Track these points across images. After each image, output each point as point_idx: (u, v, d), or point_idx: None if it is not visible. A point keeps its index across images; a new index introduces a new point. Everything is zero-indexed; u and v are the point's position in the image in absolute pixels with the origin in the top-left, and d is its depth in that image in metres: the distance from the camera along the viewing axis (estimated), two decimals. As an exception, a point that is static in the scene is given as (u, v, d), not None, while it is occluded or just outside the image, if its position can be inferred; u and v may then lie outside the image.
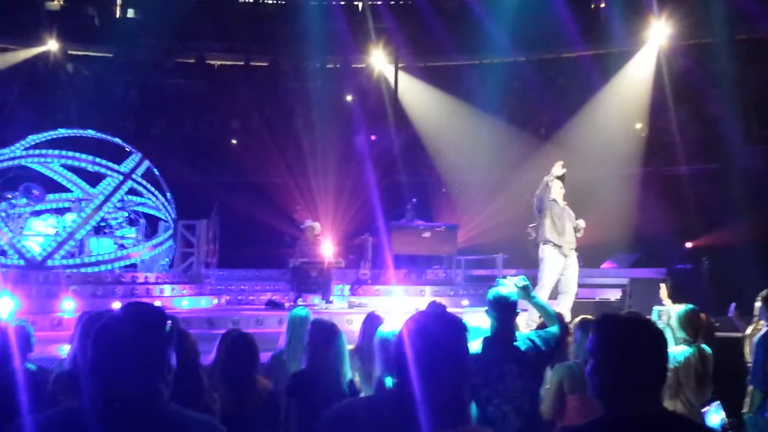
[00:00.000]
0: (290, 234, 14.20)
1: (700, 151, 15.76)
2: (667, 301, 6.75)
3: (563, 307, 7.92)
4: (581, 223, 8.36)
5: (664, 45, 16.58)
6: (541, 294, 7.78)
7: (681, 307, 5.29)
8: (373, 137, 17.73)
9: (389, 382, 2.50)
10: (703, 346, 5.13)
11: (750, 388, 5.35)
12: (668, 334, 4.99)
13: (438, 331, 2.09)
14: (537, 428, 3.77)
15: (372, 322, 4.73)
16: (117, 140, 13.45)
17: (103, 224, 12.79)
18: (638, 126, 17.01)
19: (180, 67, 19.48)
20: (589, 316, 5.51)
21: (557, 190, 8.29)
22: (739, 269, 11.06)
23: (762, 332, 5.56)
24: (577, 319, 5.19)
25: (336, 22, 18.02)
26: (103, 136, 13.39)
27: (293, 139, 18.40)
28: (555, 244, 8.04)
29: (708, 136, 15.92)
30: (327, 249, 11.81)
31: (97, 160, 12.61)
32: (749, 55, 16.77)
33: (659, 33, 16.45)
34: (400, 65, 17.79)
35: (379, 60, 18.77)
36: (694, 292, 10.30)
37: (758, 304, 5.65)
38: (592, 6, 18.25)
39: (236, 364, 3.94)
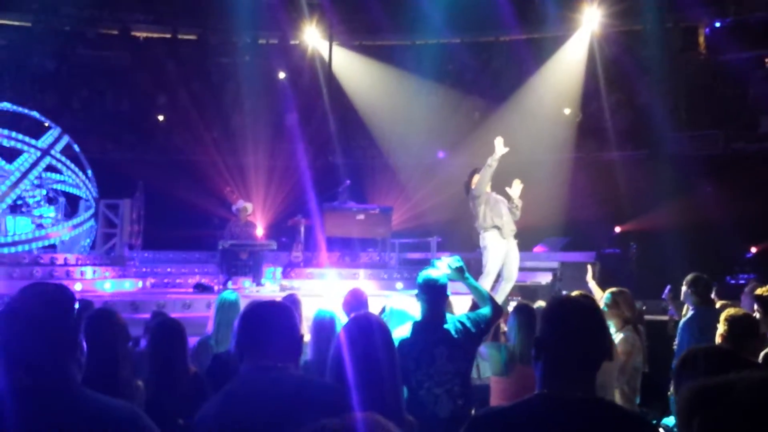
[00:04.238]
0: (219, 215, 13.87)
1: (629, 137, 16.12)
2: (592, 283, 6.79)
3: (501, 294, 7.87)
4: (515, 191, 8.22)
5: (597, 31, 16.84)
6: (486, 281, 7.72)
7: (618, 289, 5.32)
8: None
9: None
10: (640, 327, 5.22)
11: (675, 370, 5.41)
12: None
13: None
14: (468, 410, 3.76)
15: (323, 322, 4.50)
16: (35, 114, 12.86)
17: (19, 202, 12.23)
18: (567, 111, 17.24)
19: (103, 39, 18.77)
20: (526, 301, 5.52)
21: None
22: (665, 253, 11.37)
23: (687, 316, 5.66)
24: (513, 303, 5.15)
25: (268, -4, 17.67)
26: (20, 109, 12.75)
27: (222, 116, 18.00)
28: (496, 227, 7.95)
29: (638, 122, 16.28)
30: (258, 231, 11.57)
31: (13, 134, 12.00)
32: (678, 44, 17.22)
33: (592, 19, 16.69)
34: (334, 43, 17.54)
35: (312, 37, 18.47)
36: (622, 276, 10.52)
37: (684, 288, 5.74)
38: (527, -11, 18.37)
39: (164, 350, 3.92)
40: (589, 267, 7.48)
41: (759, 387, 1.32)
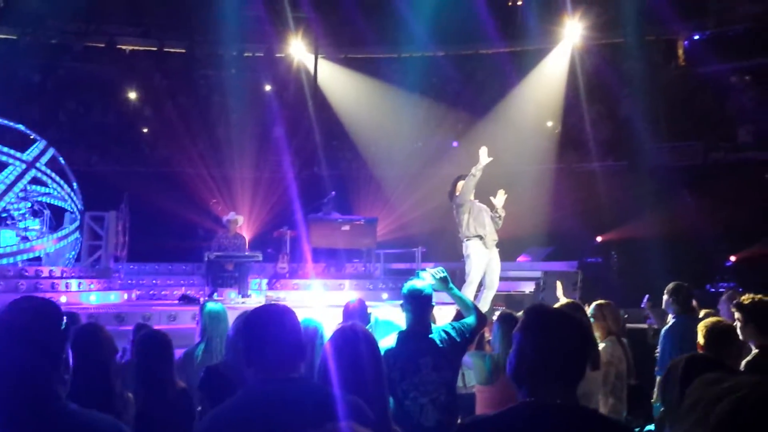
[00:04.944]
0: (205, 227, 13.86)
1: (610, 148, 16.29)
2: (562, 298, 6.89)
3: (484, 302, 7.95)
4: (499, 201, 8.32)
5: (578, 44, 17.01)
6: (469, 290, 7.78)
7: (605, 301, 5.40)
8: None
9: None
10: (623, 340, 5.30)
11: (658, 378, 5.51)
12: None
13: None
14: (454, 419, 3.78)
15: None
16: (20, 126, 12.82)
17: (4, 215, 12.17)
18: (549, 124, 17.42)
19: (89, 52, 18.72)
20: (510, 310, 5.59)
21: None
22: (646, 262, 11.51)
23: (668, 324, 5.75)
24: (498, 313, 5.22)
25: (254, 10, 17.70)
26: (5, 122, 12.71)
27: (208, 128, 17.99)
28: (479, 237, 8.04)
29: (618, 133, 16.46)
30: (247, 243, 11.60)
31: (-2, 147, 11.99)
32: (658, 56, 17.43)
33: (573, 32, 16.86)
34: (319, 56, 17.63)
35: (298, 50, 18.56)
36: (604, 285, 10.65)
37: (665, 297, 5.82)
38: (510, 3, 18.51)
39: (150, 363, 3.87)
40: (558, 283, 7.58)
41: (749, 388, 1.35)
